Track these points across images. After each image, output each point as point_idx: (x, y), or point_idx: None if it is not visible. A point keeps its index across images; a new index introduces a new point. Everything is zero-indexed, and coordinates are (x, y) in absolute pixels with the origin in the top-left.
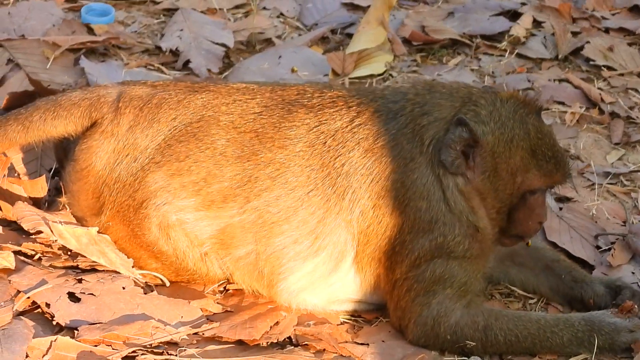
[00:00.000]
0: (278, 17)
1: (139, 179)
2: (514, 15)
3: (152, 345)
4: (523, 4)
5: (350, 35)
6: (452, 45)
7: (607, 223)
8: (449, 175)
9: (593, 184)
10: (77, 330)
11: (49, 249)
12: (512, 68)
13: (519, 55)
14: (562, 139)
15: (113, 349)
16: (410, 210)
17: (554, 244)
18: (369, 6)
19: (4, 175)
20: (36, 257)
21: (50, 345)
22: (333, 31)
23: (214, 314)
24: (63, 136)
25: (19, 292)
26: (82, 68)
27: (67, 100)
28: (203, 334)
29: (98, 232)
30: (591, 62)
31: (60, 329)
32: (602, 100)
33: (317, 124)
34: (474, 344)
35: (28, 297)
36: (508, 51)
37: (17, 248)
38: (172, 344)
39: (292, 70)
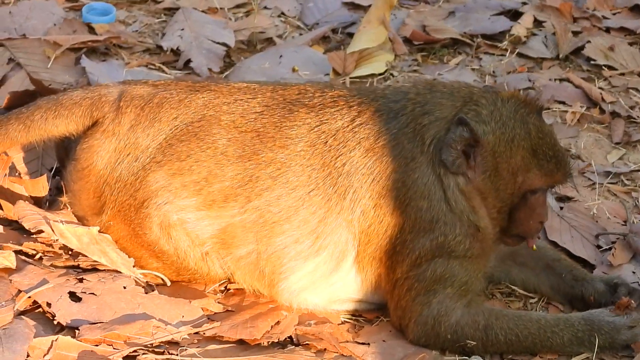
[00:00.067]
0: (279, 16)
1: (140, 178)
2: (514, 15)
3: (153, 345)
4: (524, 3)
5: (351, 35)
6: (453, 44)
7: (607, 222)
8: (449, 175)
9: (594, 184)
10: (78, 329)
11: (50, 249)
12: (512, 67)
13: (520, 55)
14: (563, 138)
15: (114, 348)
16: (411, 209)
17: (555, 243)
18: (369, 5)
19: (5, 175)
20: (37, 256)
21: (51, 345)
22: (334, 30)
23: (215, 313)
24: (64, 135)
25: (20, 291)
26: (83, 67)
27: (69, 99)
28: (204, 333)
29: (99, 231)
30: (592, 62)
31: (61, 329)
32: (602, 99)
33: (318, 123)
34: (474, 343)
35: (29, 297)
36: (509, 51)
37: (18, 247)
38: (173, 344)
39: (293, 70)
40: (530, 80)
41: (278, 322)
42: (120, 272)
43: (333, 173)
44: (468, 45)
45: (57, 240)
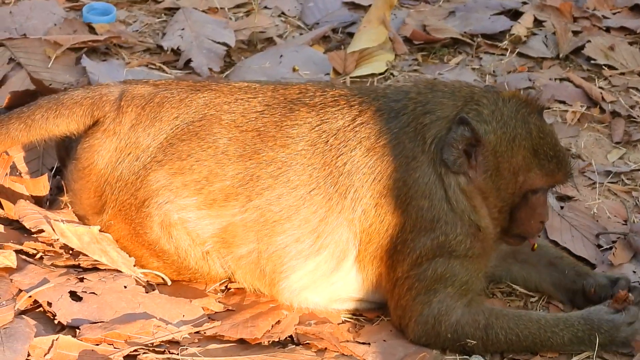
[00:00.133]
0: (279, 16)
1: (141, 177)
2: (515, 15)
3: (154, 344)
4: (524, 3)
5: (351, 35)
6: (453, 44)
7: (608, 222)
8: (450, 174)
9: (594, 183)
10: (79, 329)
11: (50, 248)
12: (513, 67)
13: (520, 54)
14: (563, 137)
15: (115, 347)
16: (412, 209)
17: (556, 242)
18: (370, 5)
19: (6, 174)
20: (38, 256)
21: (52, 344)
22: (334, 30)
23: (216, 312)
24: (65, 135)
25: (20, 291)
26: (83, 67)
27: (70, 98)
28: (205, 332)
29: (100, 230)
30: (592, 61)
31: (61, 328)
32: (603, 99)
33: (319, 122)
34: (474, 342)
35: (30, 296)
36: (509, 50)
37: (18, 247)
38: (174, 343)
39: (294, 70)
40: (530, 80)
41: (279, 322)
42: (121, 272)
43: (334, 172)
44: (468, 45)
45: (57, 239)
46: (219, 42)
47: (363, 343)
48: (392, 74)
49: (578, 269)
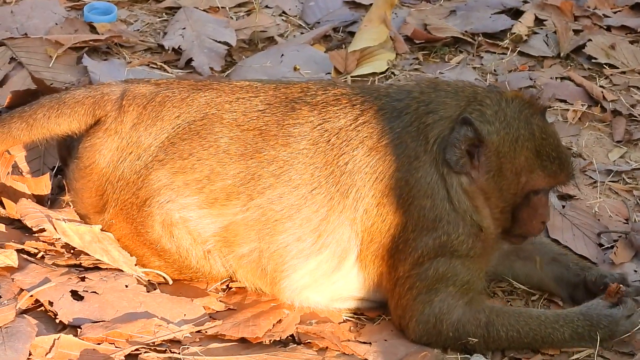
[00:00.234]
0: (280, 15)
1: (143, 176)
2: (515, 13)
3: (155, 343)
4: (525, 2)
5: (352, 34)
6: (454, 43)
7: (609, 221)
8: (453, 174)
9: (595, 182)
10: (80, 328)
11: (52, 247)
12: (514, 66)
13: (521, 53)
14: (564, 136)
15: (116, 347)
16: (414, 208)
17: (557, 241)
18: (371, 4)
19: (8, 173)
20: (39, 255)
21: (53, 344)
22: (335, 29)
23: (217, 312)
24: (67, 134)
25: (22, 290)
26: (84, 66)
27: (71, 98)
28: (206, 332)
29: (101, 229)
30: (593, 60)
31: (63, 327)
32: (604, 98)
33: (321, 121)
34: (476, 340)
35: (31, 296)
36: (510, 49)
37: (20, 246)
38: (175, 342)
39: (295, 69)
40: (531, 79)
41: (280, 321)
42: (122, 271)
43: (336, 171)
44: (469, 44)
45: (59, 238)
46: (220, 42)
47: (364, 342)
48: (393, 73)
49: (582, 264)
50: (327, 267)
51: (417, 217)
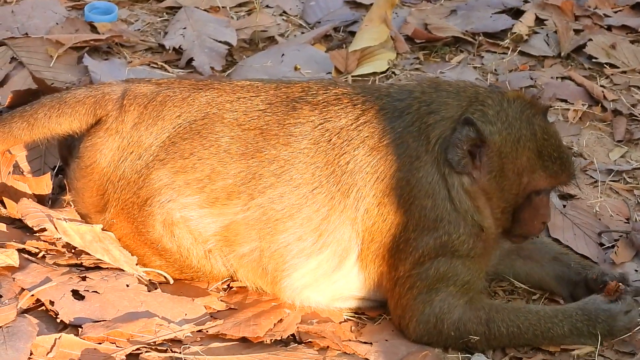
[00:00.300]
0: (281, 15)
1: (143, 176)
2: (516, 13)
3: (156, 343)
4: (525, 1)
5: (353, 33)
6: (454, 43)
7: (610, 220)
8: (454, 175)
9: (596, 182)
10: (81, 327)
11: (53, 247)
12: (514, 66)
13: (522, 53)
14: (565, 136)
15: (117, 346)
16: (415, 208)
17: (558, 241)
18: (371, 4)
19: (9, 173)
20: (40, 254)
21: (55, 343)
22: (336, 29)
23: (218, 311)
24: (68, 133)
25: (23, 289)
26: (85, 66)
27: (72, 97)
28: (207, 331)
29: (102, 229)
30: (594, 60)
31: (64, 327)
32: (604, 97)
33: (322, 121)
34: (477, 338)
35: (32, 295)
36: (511, 49)
37: (21, 246)
38: (176, 342)
39: (295, 68)
40: (532, 79)
41: (281, 320)
42: (123, 270)
43: (337, 171)
44: (470, 44)
45: (60, 238)
46: (220, 41)
47: (365, 342)
48: (393, 72)
49: (583, 263)
50: (328, 267)
51: (418, 216)
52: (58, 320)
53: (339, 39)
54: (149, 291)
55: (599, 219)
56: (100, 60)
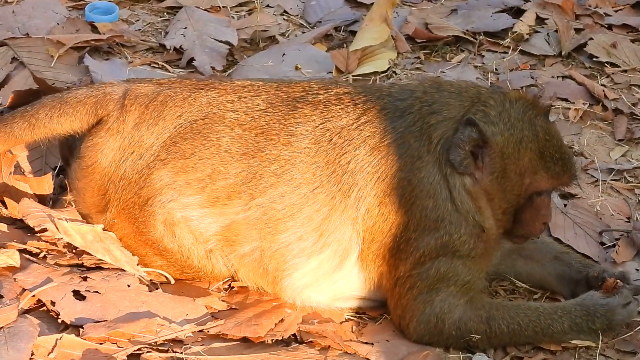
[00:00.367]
0: (281, 14)
1: (145, 176)
2: (517, 12)
3: (157, 343)
4: (526, 0)
5: (353, 33)
6: (455, 42)
7: (611, 219)
8: (456, 175)
9: (597, 181)
10: (83, 328)
11: (54, 247)
12: (515, 65)
13: (522, 52)
14: (566, 135)
15: (118, 346)
16: (417, 208)
17: (559, 240)
18: (372, 3)
19: (10, 173)
20: (41, 255)
21: (56, 343)
22: (336, 29)
23: (219, 311)
24: (69, 133)
25: (24, 290)
26: (86, 66)
27: (73, 97)
28: (208, 331)
29: (103, 229)
30: (594, 59)
31: (65, 327)
32: (605, 96)
33: (323, 121)
34: (478, 337)
35: (33, 295)
36: (511, 48)
37: (22, 246)
38: (177, 342)
39: (296, 68)
40: (532, 78)
41: (282, 320)
42: (124, 271)
43: (337, 171)
44: (470, 43)
45: (61, 238)
46: (221, 41)
47: (366, 343)
48: (394, 72)
49: (584, 261)
50: (329, 266)
51: (419, 217)
52: (59, 321)
53: (339, 38)
54: (150, 291)
55: (600, 218)
56: (101, 60)
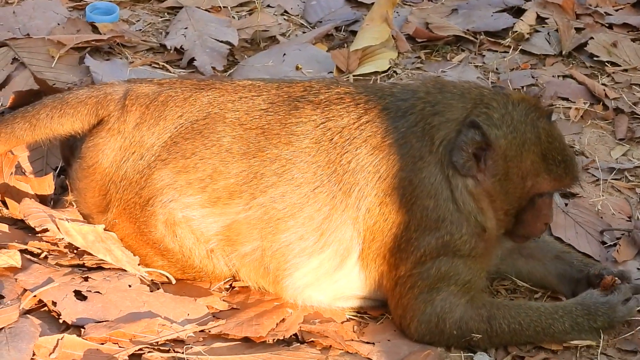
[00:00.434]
0: (282, 14)
1: (146, 176)
2: (517, 12)
3: (159, 343)
4: (527, 0)
5: (354, 33)
6: (456, 42)
7: (612, 219)
8: (458, 176)
9: (598, 180)
10: (84, 328)
11: (55, 248)
12: (516, 64)
13: (523, 52)
14: (567, 135)
15: (119, 347)
16: (417, 208)
17: (560, 239)
18: (372, 3)
19: (11, 173)
20: (42, 255)
21: (57, 344)
22: (337, 28)
23: (220, 311)
24: (70, 134)
25: (25, 290)
26: (87, 67)
27: (74, 97)
28: (209, 331)
29: (104, 229)
30: (595, 58)
31: (66, 327)
32: (606, 96)
33: (324, 120)
34: (479, 336)
35: (34, 296)
36: (512, 47)
37: (23, 247)
38: (179, 342)
39: (297, 68)
40: (533, 77)
41: (283, 320)
42: (126, 271)
43: (338, 170)
44: (471, 43)
45: (62, 238)
46: (222, 41)
47: (367, 342)
48: (395, 72)
49: (585, 261)
50: (329, 266)
51: (420, 216)
52: (60, 321)
53: (340, 38)
54: (152, 291)
55: (601, 217)
56: (102, 60)
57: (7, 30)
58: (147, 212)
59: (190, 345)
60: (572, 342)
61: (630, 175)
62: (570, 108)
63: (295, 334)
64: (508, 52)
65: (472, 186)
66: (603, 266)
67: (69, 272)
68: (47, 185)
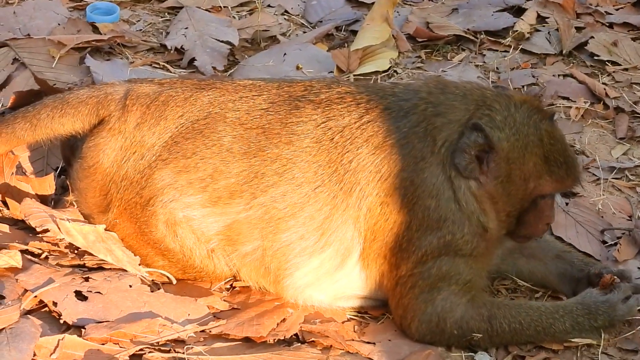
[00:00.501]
0: (282, 14)
1: (146, 176)
2: (518, 11)
3: (159, 343)
4: None
5: (354, 32)
6: (456, 41)
7: (612, 218)
8: (460, 178)
9: (598, 179)
10: (84, 328)
11: (55, 248)
12: (516, 63)
13: (523, 51)
14: (567, 134)
15: (120, 347)
16: (419, 208)
17: (560, 238)
18: (373, 3)
19: (12, 173)
20: (43, 255)
21: (58, 344)
22: (337, 28)
23: (221, 311)
24: (70, 134)
25: (26, 291)
26: (87, 67)
27: (75, 97)
28: (210, 331)
29: (105, 229)
30: (595, 57)
31: (67, 328)
32: (606, 95)
33: (325, 119)
34: (480, 336)
35: (35, 296)
36: (512, 47)
37: (24, 247)
38: (179, 342)
39: (297, 68)
40: (534, 76)
41: (284, 320)
42: (126, 271)
43: (339, 170)
44: (471, 42)
45: (63, 239)
46: (222, 41)
47: (368, 342)
48: (395, 71)
49: (585, 260)
50: (330, 266)
51: (421, 216)
52: (61, 321)
53: (340, 38)
54: (152, 291)
55: (602, 217)
56: (102, 60)
57: (8, 30)
58: (148, 212)
59: (191, 346)
60: (572, 340)
61: (631, 175)
62: (570, 107)
63: (296, 334)
64: (508, 52)
65: (475, 188)
66: (603, 265)
67: (69, 272)
68: (48, 185)
